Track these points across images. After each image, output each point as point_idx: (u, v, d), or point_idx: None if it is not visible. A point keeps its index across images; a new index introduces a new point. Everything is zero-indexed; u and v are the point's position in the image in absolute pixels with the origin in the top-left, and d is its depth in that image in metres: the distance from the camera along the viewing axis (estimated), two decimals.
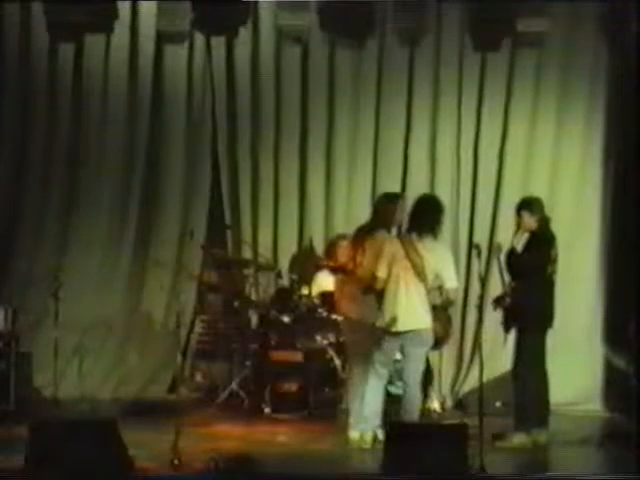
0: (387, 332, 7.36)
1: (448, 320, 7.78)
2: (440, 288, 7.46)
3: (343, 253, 8.28)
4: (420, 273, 7.34)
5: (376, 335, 7.46)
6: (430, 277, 7.37)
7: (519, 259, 7.61)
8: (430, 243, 7.41)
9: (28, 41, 9.56)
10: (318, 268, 9.13)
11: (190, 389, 9.35)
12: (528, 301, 7.51)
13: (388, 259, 7.36)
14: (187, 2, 9.37)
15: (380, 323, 7.39)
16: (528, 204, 7.69)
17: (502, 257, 7.64)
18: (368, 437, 7.44)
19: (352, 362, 7.91)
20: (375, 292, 7.44)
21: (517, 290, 7.55)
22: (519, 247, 7.68)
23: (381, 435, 7.31)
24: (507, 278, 7.64)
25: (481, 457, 6.36)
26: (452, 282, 7.50)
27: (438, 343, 7.84)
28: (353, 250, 7.78)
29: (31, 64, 9.58)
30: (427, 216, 7.48)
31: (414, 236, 7.40)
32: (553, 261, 7.60)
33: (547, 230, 7.64)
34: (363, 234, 7.77)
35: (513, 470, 6.98)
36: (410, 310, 7.33)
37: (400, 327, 7.32)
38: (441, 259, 7.45)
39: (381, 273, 7.37)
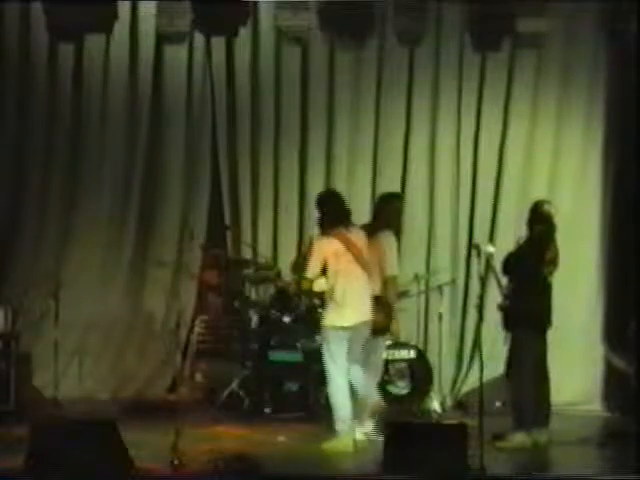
0: (338, 327, 7.39)
1: (389, 309, 7.75)
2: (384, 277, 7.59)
3: None
4: (363, 265, 7.41)
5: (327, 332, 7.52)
6: (372, 267, 7.49)
7: (514, 261, 7.63)
8: (360, 233, 7.52)
9: (28, 41, 9.56)
10: None
11: (190, 389, 9.34)
12: (523, 302, 7.53)
13: (322, 258, 7.39)
14: (187, 2, 9.37)
15: (331, 320, 7.42)
16: (533, 207, 7.72)
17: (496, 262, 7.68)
18: (349, 440, 7.37)
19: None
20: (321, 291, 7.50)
21: (513, 291, 7.58)
22: (516, 249, 7.72)
23: (362, 435, 7.34)
24: (504, 280, 7.67)
25: (481, 457, 6.36)
26: (392, 269, 7.59)
27: (379, 332, 7.79)
28: None
29: (31, 64, 9.59)
30: (344, 208, 7.56)
31: (343, 230, 7.44)
32: (549, 263, 7.59)
33: (545, 234, 7.63)
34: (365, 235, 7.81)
35: (513, 470, 6.98)
36: (359, 303, 7.39)
37: (352, 321, 7.36)
38: (378, 248, 7.56)
39: (310, 274, 7.44)
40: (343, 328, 7.38)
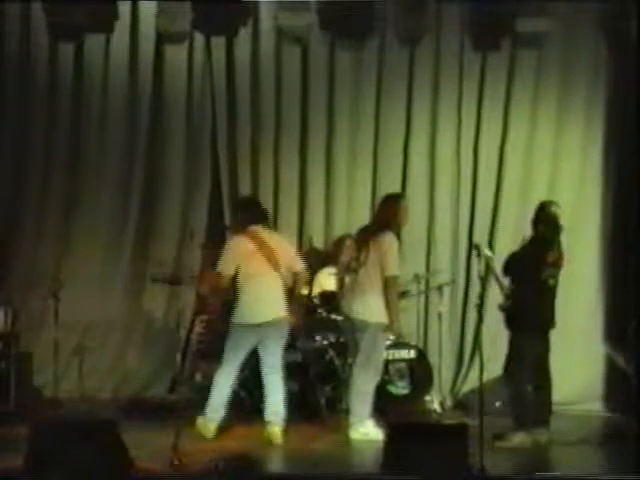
0: (248, 324, 7.53)
1: (300, 307, 7.92)
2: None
3: (347, 252, 8.38)
4: (275, 265, 7.61)
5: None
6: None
7: (516, 261, 7.63)
8: (269, 233, 7.77)
9: (28, 41, 9.56)
10: (319, 267, 9.12)
11: (190, 389, 9.33)
12: (523, 303, 7.53)
13: (235, 257, 7.57)
14: (187, 2, 9.37)
15: (242, 317, 7.54)
16: (539, 207, 7.72)
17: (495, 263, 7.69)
18: (213, 427, 7.60)
19: (354, 361, 7.91)
20: (231, 288, 7.64)
21: (514, 291, 7.58)
22: (519, 249, 7.72)
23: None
24: (506, 281, 7.67)
25: (481, 457, 6.35)
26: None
27: (294, 330, 7.99)
28: (357, 250, 7.85)
29: (31, 64, 9.58)
30: (260, 209, 7.85)
31: (257, 229, 7.65)
32: (550, 265, 7.58)
33: (550, 234, 7.62)
34: (367, 235, 7.83)
35: (513, 470, 6.98)
36: (271, 301, 7.58)
37: (262, 318, 7.53)
38: (283, 246, 7.76)
39: (225, 272, 7.58)
40: (254, 325, 7.53)
